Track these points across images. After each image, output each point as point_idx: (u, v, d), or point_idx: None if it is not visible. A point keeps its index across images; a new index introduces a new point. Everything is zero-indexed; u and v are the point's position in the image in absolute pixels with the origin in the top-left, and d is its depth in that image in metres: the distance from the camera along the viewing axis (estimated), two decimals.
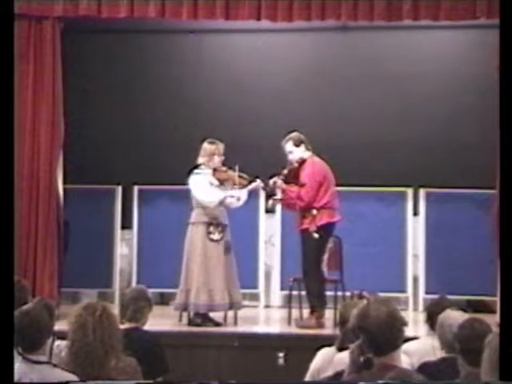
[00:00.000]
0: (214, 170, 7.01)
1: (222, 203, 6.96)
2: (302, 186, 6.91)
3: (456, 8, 7.24)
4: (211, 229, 6.91)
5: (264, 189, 7.35)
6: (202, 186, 6.91)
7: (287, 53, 8.88)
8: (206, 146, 7.03)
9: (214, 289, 6.83)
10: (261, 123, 8.63)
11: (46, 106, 7.56)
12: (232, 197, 6.99)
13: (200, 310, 6.89)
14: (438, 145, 8.57)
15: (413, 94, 8.67)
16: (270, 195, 7.31)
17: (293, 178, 7.00)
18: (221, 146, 7.02)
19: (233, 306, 6.96)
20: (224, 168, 7.05)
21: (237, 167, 6.90)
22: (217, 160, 7.00)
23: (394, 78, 8.70)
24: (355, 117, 8.69)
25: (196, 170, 6.98)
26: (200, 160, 7.02)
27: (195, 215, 6.98)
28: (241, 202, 7.13)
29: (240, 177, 7.00)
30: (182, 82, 8.88)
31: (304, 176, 6.94)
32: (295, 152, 7.03)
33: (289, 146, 7.04)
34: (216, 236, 6.91)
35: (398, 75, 8.68)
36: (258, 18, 7.44)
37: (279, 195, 7.07)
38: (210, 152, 6.99)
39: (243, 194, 7.09)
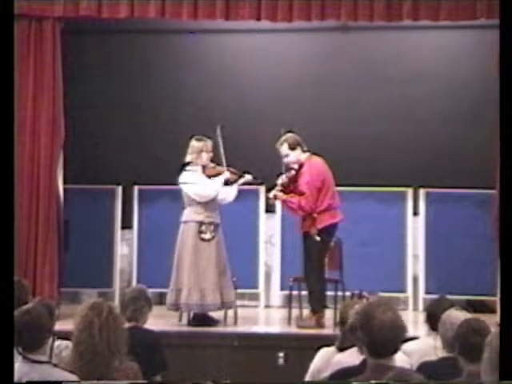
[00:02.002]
0: (203, 167, 7.00)
1: (214, 199, 6.95)
2: (301, 194, 6.87)
3: (456, 8, 7.24)
4: (203, 228, 6.89)
5: (255, 183, 7.32)
6: (197, 181, 6.89)
7: (287, 53, 8.88)
8: (193, 143, 7.02)
9: (205, 288, 6.81)
10: (261, 123, 8.63)
11: (46, 105, 7.57)
12: (227, 191, 7.00)
13: (191, 310, 6.90)
14: (438, 145, 8.56)
15: (413, 94, 8.67)
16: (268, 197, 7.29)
17: (292, 185, 6.97)
18: (209, 143, 7.00)
19: (224, 305, 6.95)
20: (212, 164, 7.05)
21: (222, 153, 6.86)
22: (205, 157, 6.99)
23: (393, 78, 8.70)
24: (355, 117, 8.69)
25: (186, 168, 6.97)
26: (188, 158, 7.00)
27: (187, 214, 6.96)
28: (232, 198, 7.11)
29: (230, 171, 6.99)
30: (182, 81, 8.88)
31: (302, 184, 6.86)
32: (291, 155, 6.94)
33: (284, 149, 6.94)
34: (207, 235, 6.89)
35: (398, 75, 8.68)
36: (258, 18, 7.44)
37: (279, 204, 7.03)
38: (198, 149, 6.98)
39: (233, 190, 7.08)
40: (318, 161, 7.02)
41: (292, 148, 6.94)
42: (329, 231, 6.93)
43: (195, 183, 6.89)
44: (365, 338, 3.13)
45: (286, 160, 6.98)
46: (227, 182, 7.02)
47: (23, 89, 7.50)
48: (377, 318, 3.11)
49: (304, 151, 6.99)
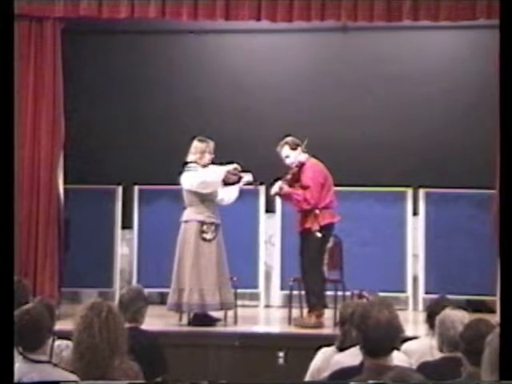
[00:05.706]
0: (204, 167, 7.00)
1: (215, 199, 6.95)
2: (305, 188, 6.93)
3: (456, 8, 7.24)
4: (204, 228, 6.89)
5: (255, 184, 7.32)
6: (200, 173, 6.87)
7: (287, 53, 8.88)
8: (196, 143, 7.02)
9: (205, 289, 6.81)
10: (261, 123, 8.64)
11: (46, 106, 7.57)
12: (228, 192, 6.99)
13: (193, 310, 6.90)
14: (438, 145, 8.56)
15: (412, 94, 8.67)
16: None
17: (295, 181, 7.03)
18: (211, 144, 7.01)
19: (224, 306, 6.94)
20: (214, 166, 7.04)
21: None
22: (207, 158, 6.99)
23: (393, 78, 8.69)
24: (355, 117, 8.69)
25: (187, 168, 6.97)
26: (190, 158, 6.99)
27: (188, 213, 6.95)
28: (233, 199, 7.12)
29: (230, 172, 6.98)
30: (183, 82, 8.88)
31: (307, 179, 6.95)
32: (292, 156, 7.04)
33: (285, 151, 7.04)
34: (209, 235, 6.90)
35: (398, 75, 8.68)
36: (258, 19, 7.44)
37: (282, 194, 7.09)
38: (201, 150, 6.98)
39: (234, 191, 7.08)
40: (317, 161, 7.13)
41: (293, 148, 7.05)
42: (328, 230, 6.97)
43: (199, 174, 6.86)
44: (361, 337, 3.12)
45: (287, 161, 7.06)
46: (227, 182, 7.02)
47: (23, 89, 7.50)
48: (372, 317, 3.10)
49: (304, 152, 7.06)
